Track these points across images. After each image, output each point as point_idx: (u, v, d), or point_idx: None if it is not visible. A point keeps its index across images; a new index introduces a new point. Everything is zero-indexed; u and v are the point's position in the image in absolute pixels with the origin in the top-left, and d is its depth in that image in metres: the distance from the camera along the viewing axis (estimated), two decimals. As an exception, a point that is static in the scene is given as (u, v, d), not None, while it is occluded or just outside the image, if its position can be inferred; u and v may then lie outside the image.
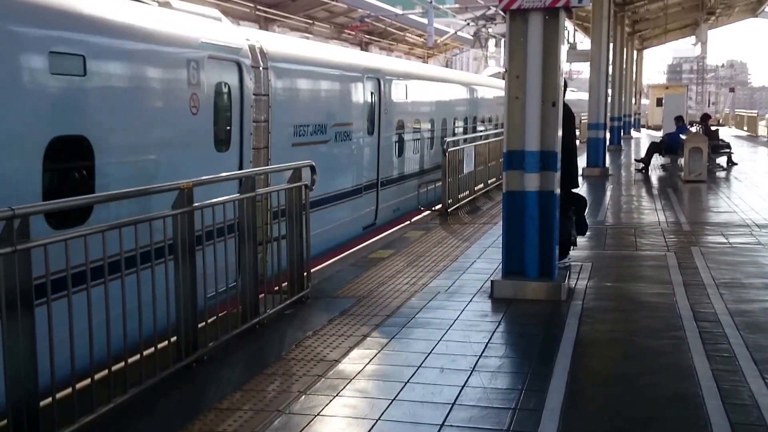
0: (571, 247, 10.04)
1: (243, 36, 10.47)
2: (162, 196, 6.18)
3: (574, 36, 40.19)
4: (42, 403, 4.66)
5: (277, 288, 7.93)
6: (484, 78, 31.32)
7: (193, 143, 9.02)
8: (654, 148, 24.77)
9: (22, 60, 6.76)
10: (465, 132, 22.43)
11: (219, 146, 9.54)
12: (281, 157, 10.39)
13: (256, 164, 10.09)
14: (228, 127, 9.80)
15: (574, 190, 9.87)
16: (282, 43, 12.68)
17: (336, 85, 13.79)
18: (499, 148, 17.90)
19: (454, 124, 21.88)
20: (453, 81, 23.82)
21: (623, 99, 37.93)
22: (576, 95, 47.72)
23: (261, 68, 10.50)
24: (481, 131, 22.78)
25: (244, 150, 9.97)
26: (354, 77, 14.41)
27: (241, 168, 9.70)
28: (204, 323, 6.42)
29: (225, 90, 9.71)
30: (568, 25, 34.70)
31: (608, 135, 27.92)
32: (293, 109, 11.84)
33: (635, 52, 50.47)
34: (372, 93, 15.14)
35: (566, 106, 8.90)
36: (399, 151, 17.09)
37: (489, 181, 18.36)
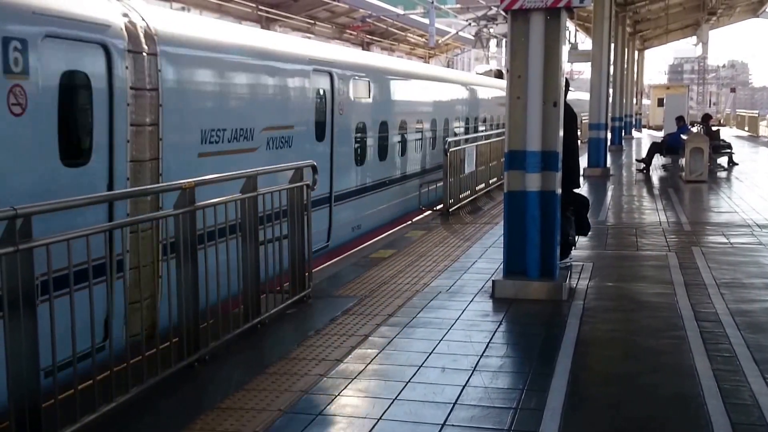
0: (572, 247, 10.06)
1: (117, 10, 7.75)
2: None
3: (575, 36, 40.29)
4: (44, 403, 4.66)
5: (278, 287, 7.93)
6: (472, 76, 28.83)
7: (16, 155, 6.43)
8: (655, 148, 24.81)
9: None
10: (447, 137, 19.02)
11: (70, 159, 7.04)
12: (182, 170, 7.99)
13: (140, 181, 7.80)
14: (87, 133, 7.32)
15: (575, 191, 9.88)
16: (182, 22, 9.72)
17: (269, 80, 10.94)
18: (500, 148, 17.89)
19: (434, 126, 19.22)
20: (434, 78, 20.59)
21: (624, 99, 37.95)
22: (574, 95, 47.68)
23: (144, 54, 7.85)
24: (472, 134, 20.79)
25: (115, 163, 7.50)
26: (296, 70, 11.55)
27: (111, 187, 7.45)
28: (206, 323, 6.42)
29: (81, 82, 7.21)
30: (570, 25, 34.72)
31: (609, 135, 27.92)
32: (199, 109, 9.01)
33: (636, 53, 50.48)
34: (323, 90, 12.47)
35: (568, 106, 8.91)
36: (360, 159, 14.28)
37: (490, 181, 18.38)
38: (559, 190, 8.41)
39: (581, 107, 31.19)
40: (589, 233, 10.64)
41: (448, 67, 41.65)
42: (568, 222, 9.64)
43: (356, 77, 14.02)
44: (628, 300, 8.39)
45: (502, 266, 8.70)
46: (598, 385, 5.99)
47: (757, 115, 53.26)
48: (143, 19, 8.01)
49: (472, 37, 40.61)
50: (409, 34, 38.30)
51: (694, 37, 47.19)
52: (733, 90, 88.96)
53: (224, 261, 6.75)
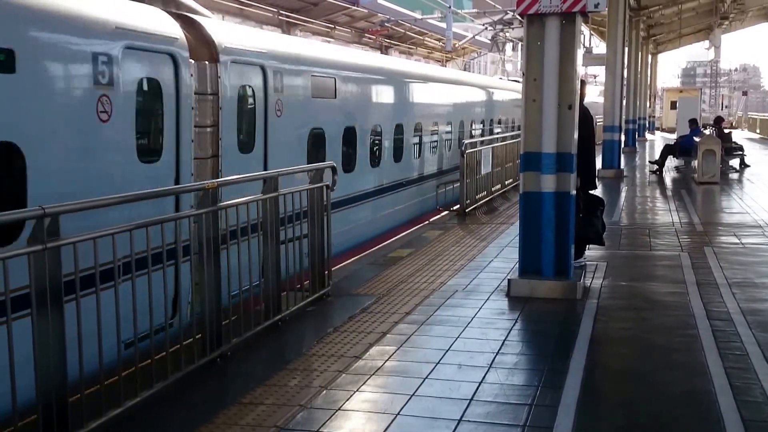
0: (587, 246, 10.14)
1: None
2: None
3: (590, 40, 40.30)
4: (71, 398, 4.75)
5: (299, 286, 8.03)
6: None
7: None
8: (668, 150, 24.81)
9: None
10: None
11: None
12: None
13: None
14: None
15: (591, 192, 9.96)
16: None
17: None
18: (515, 150, 18.02)
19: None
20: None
21: (638, 102, 37.90)
22: None
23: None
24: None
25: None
26: None
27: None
28: (228, 320, 6.54)
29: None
30: (584, 29, 34.73)
31: (623, 137, 27.92)
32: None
33: (650, 56, 50.42)
34: None
35: (585, 109, 8.98)
36: None
37: (506, 182, 18.47)
38: (574, 191, 8.49)
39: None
40: (604, 233, 10.69)
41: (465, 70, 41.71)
42: (598, 221, 9.78)
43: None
44: (642, 299, 8.45)
45: (517, 265, 8.80)
46: (612, 382, 6.06)
47: (768, 117, 53.11)
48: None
49: (489, 41, 40.74)
50: (426, 38, 38.37)
51: (707, 41, 47.13)
52: (745, 93, 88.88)
53: (246, 259, 6.86)
